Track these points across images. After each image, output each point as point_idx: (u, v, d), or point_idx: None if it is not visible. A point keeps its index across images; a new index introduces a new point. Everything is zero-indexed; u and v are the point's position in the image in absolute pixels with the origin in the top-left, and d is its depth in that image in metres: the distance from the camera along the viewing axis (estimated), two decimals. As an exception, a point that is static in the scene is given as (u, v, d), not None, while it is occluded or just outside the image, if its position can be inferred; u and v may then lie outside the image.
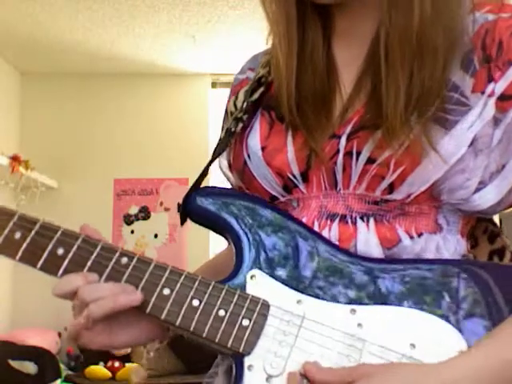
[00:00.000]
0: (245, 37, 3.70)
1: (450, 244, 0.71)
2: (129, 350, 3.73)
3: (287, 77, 0.74)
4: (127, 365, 3.60)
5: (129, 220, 4.18)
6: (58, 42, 3.74)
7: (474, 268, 0.67)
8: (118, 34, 3.67)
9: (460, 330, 0.63)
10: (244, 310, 0.65)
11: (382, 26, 0.69)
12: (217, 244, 4.12)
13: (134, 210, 4.19)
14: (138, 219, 4.19)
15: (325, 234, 0.70)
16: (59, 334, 3.81)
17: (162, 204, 4.19)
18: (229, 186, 0.85)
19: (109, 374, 3.52)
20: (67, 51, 3.88)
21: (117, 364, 3.57)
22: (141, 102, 4.28)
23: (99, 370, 3.53)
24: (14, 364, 3.11)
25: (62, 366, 3.54)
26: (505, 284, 0.65)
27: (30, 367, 3.16)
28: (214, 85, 4.36)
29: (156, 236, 4.16)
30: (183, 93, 4.32)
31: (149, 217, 4.19)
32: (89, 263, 0.68)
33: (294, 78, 0.74)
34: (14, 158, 3.44)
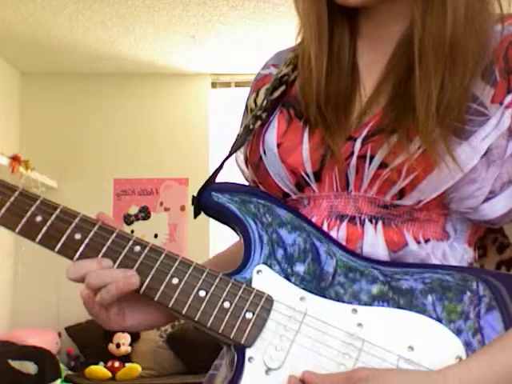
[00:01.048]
0: (245, 37, 3.70)
1: (456, 252, 0.71)
2: (129, 350, 3.73)
3: (317, 75, 0.76)
4: (127, 365, 3.60)
5: (129, 220, 4.19)
6: (58, 42, 3.74)
7: (484, 276, 0.67)
8: (118, 34, 3.67)
9: (460, 337, 0.64)
10: (248, 303, 0.67)
11: (416, 32, 0.70)
12: (217, 244, 4.13)
13: (133, 210, 4.20)
14: (138, 219, 4.19)
15: (333, 234, 0.71)
16: (59, 334, 3.81)
17: (162, 204, 4.19)
18: (234, 181, 0.86)
19: (109, 373, 3.53)
20: (67, 51, 3.89)
21: (117, 364, 3.58)
22: (141, 101, 4.28)
23: (99, 370, 3.54)
24: (14, 364, 3.11)
25: (62, 366, 3.55)
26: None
27: (30, 367, 3.17)
28: (213, 85, 4.36)
29: (156, 236, 4.16)
30: (183, 93, 4.33)
31: (149, 217, 4.19)
32: (104, 249, 0.70)
33: (324, 78, 0.76)
34: (14, 158, 3.45)
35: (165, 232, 4.16)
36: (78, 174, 4.17)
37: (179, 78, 4.30)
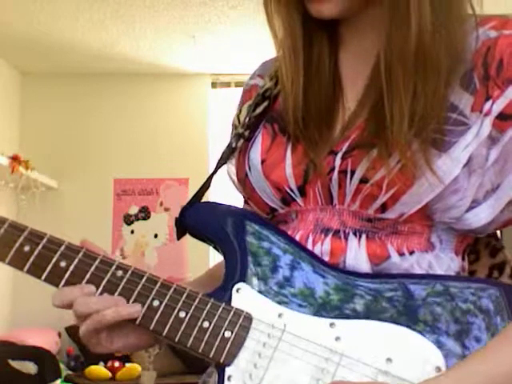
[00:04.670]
0: (245, 37, 3.70)
1: (442, 262, 0.71)
2: (129, 350, 3.73)
3: (293, 92, 0.75)
4: (127, 365, 3.60)
5: (129, 220, 4.18)
6: (58, 42, 3.74)
7: (466, 284, 0.67)
8: (117, 34, 3.67)
9: (440, 347, 0.63)
10: (227, 322, 0.68)
11: (382, 44, 0.69)
12: (217, 244, 4.13)
13: (133, 210, 4.20)
14: (138, 219, 4.19)
15: (317, 247, 0.71)
16: (59, 334, 3.81)
17: (162, 204, 4.19)
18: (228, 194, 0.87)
19: (109, 374, 3.53)
20: (67, 51, 3.88)
21: (117, 364, 3.57)
22: (141, 101, 4.28)
23: (99, 369, 3.54)
24: (14, 364, 3.11)
25: (62, 366, 3.54)
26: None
27: (30, 367, 3.17)
28: (213, 85, 4.36)
29: (156, 236, 4.16)
30: (183, 93, 4.32)
31: (149, 217, 4.19)
32: (87, 276, 0.73)
33: (301, 93, 0.75)
34: (14, 158, 3.44)
35: (165, 232, 4.16)
36: (78, 174, 4.17)
37: (179, 78, 4.30)
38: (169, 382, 3.52)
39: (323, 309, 0.67)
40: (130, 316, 0.70)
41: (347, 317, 0.66)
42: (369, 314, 0.66)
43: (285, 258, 0.70)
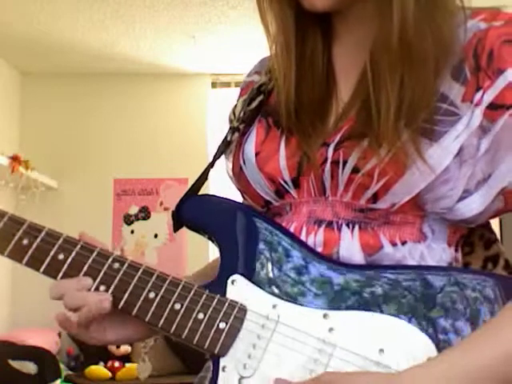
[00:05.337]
0: (245, 37, 3.70)
1: (434, 252, 0.71)
2: (129, 350, 3.73)
3: (286, 86, 0.76)
4: (127, 365, 3.60)
5: (129, 220, 4.19)
6: (58, 42, 3.74)
7: (458, 275, 0.67)
8: (117, 34, 3.67)
9: (431, 337, 0.63)
10: (221, 313, 0.69)
11: (371, 35, 0.71)
12: (217, 244, 4.12)
13: (133, 210, 4.20)
14: (138, 219, 4.19)
15: (311, 239, 0.71)
16: (59, 334, 3.81)
17: (161, 204, 4.19)
18: (228, 189, 0.88)
19: (109, 374, 3.53)
20: (67, 51, 3.89)
21: (117, 364, 3.57)
22: (141, 101, 4.28)
23: (99, 369, 3.54)
24: (14, 364, 3.11)
25: (62, 366, 3.54)
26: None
27: (30, 367, 3.17)
28: (213, 85, 4.36)
29: (156, 236, 4.16)
30: (183, 93, 4.33)
31: (149, 217, 4.19)
32: (85, 268, 0.73)
33: (293, 86, 0.76)
34: (14, 158, 3.45)
35: (165, 232, 4.16)
36: (78, 174, 4.17)
37: (179, 78, 4.30)
38: (169, 381, 3.52)
39: (317, 300, 0.67)
40: (98, 312, 0.71)
41: (340, 308, 0.66)
42: (362, 304, 0.66)
43: (280, 250, 0.71)
